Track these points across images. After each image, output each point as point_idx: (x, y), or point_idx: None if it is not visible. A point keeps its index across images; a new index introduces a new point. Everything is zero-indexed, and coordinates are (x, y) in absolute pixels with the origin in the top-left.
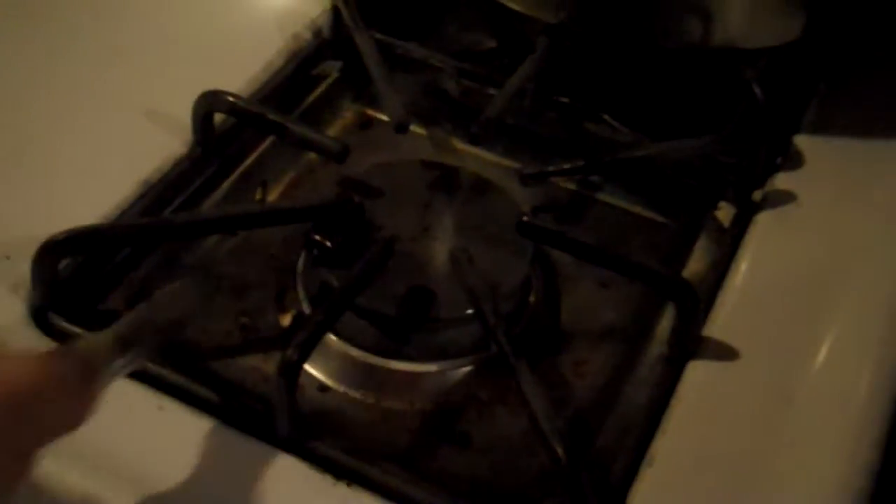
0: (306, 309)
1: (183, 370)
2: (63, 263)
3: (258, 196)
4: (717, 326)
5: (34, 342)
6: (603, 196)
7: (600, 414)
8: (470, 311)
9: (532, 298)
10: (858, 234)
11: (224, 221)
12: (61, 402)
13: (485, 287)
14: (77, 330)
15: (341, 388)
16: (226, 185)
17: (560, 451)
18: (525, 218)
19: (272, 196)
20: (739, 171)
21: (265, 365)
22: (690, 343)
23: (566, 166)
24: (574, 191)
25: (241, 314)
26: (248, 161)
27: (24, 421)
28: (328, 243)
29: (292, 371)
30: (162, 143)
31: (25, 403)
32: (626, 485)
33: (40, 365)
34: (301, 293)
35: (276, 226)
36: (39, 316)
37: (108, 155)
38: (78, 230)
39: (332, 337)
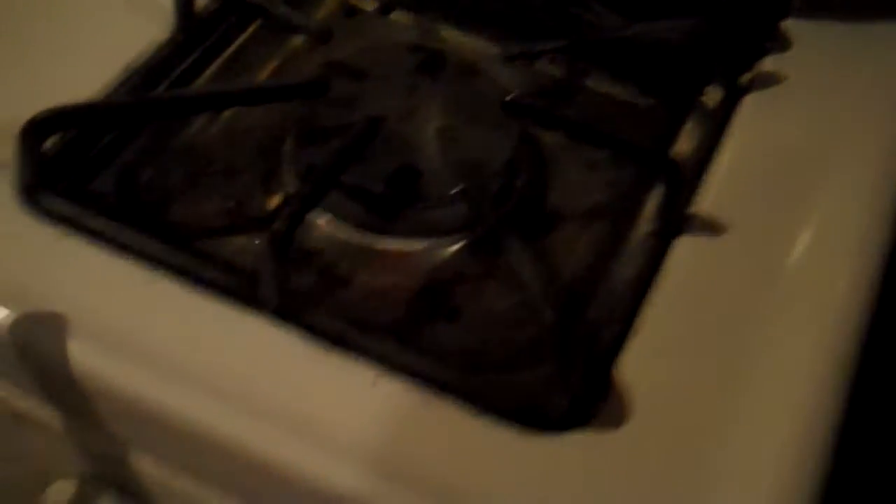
0: (293, 189)
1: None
2: (49, 142)
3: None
4: (704, 206)
5: (25, 223)
6: (590, 82)
7: (589, 288)
8: (456, 191)
9: (519, 182)
10: (845, 118)
11: (212, 98)
12: None
13: (471, 164)
14: (69, 208)
15: (330, 267)
16: (209, 71)
17: (549, 314)
18: (510, 97)
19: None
20: (726, 55)
21: (252, 245)
22: (677, 220)
23: (550, 46)
24: (560, 77)
25: (227, 198)
26: (232, 47)
27: None
28: (315, 123)
29: (281, 241)
30: (142, 27)
31: None
32: (613, 353)
33: None
34: (288, 176)
35: (265, 103)
36: (30, 195)
37: (88, 39)
38: (64, 107)
39: (325, 216)
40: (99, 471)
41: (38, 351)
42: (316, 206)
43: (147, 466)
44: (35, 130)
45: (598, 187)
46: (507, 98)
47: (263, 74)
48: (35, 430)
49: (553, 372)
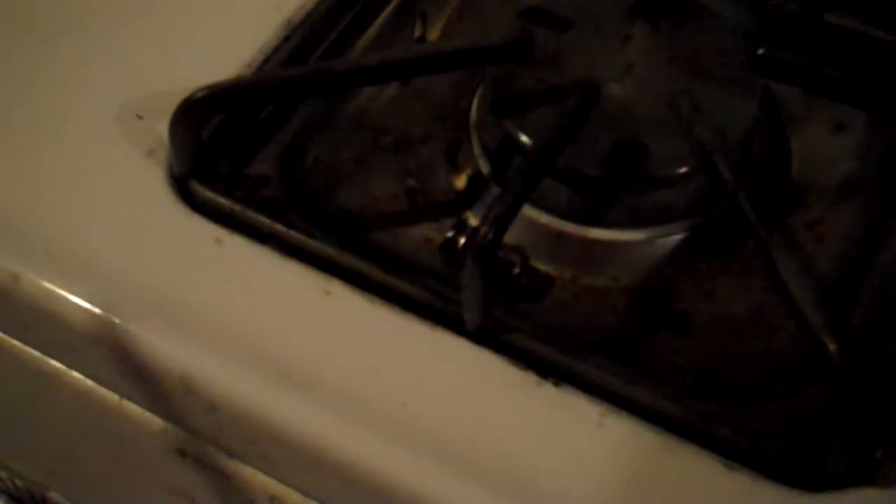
0: (484, 167)
1: (348, 246)
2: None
3: (417, 33)
4: None
5: (176, 213)
6: (832, 17)
7: (849, 288)
8: (686, 169)
9: (757, 146)
10: None
11: (387, 68)
12: None
13: (715, 137)
14: (222, 200)
15: (532, 263)
16: (379, 20)
17: (832, 347)
18: (761, 51)
19: (433, 33)
20: None
21: (439, 235)
22: None
23: None
24: (795, 11)
25: (407, 175)
26: None
27: None
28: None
29: (487, 254)
30: None
31: None
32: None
33: None
34: (476, 148)
35: (456, 69)
36: (181, 185)
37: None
38: (220, 85)
39: None
40: None
41: (198, 380)
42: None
43: None
44: (189, 113)
45: (849, 151)
46: (759, 52)
47: (440, 22)
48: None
49: (832, 414)
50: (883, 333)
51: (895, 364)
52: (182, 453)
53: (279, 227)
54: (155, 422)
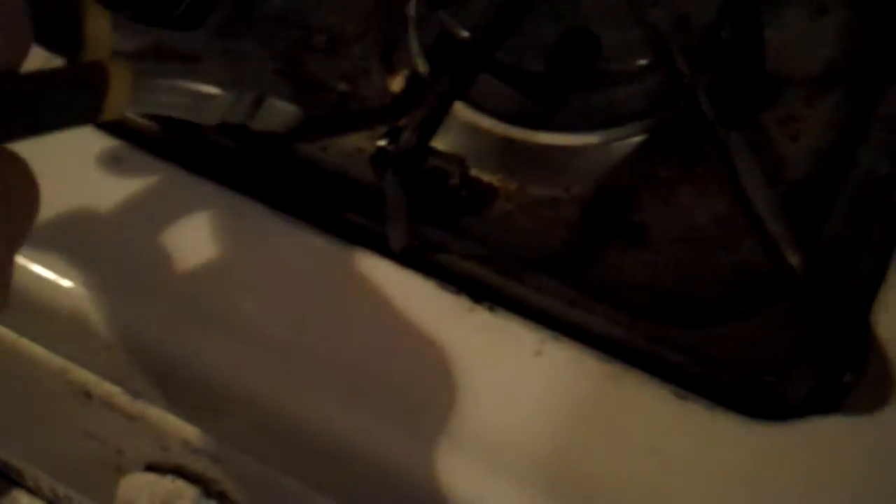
0: (422, 67)
1: (262, 158)
2: None
3: None
4: None
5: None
6: None
7: (825, 191)
8: (645, 61)
9: (725, 33)
10: None
11: None
12: None
13: (672, 23)
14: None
15: (473, 172)
16: None
17: (796, 259)
18: None
19: None
20: None
21: (371, 145)
22: None
23: None
24: None
25: (338, 78)
26: None
27: None
28: None
29: (408, 162)
30: None
31: None
32: (868, 300)
33: None
34: (414, 46)
35: None
36: None
37: None
38: None
39: (458, 104)
40: (177, 463)
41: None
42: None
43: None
44: None
45: (830, 38)
46: None
47: None
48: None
49: (794, 334)
50: (857, 244)
51: (870, 278)
52: (88, 395)
53: (184, 140)
54: (55, 361)
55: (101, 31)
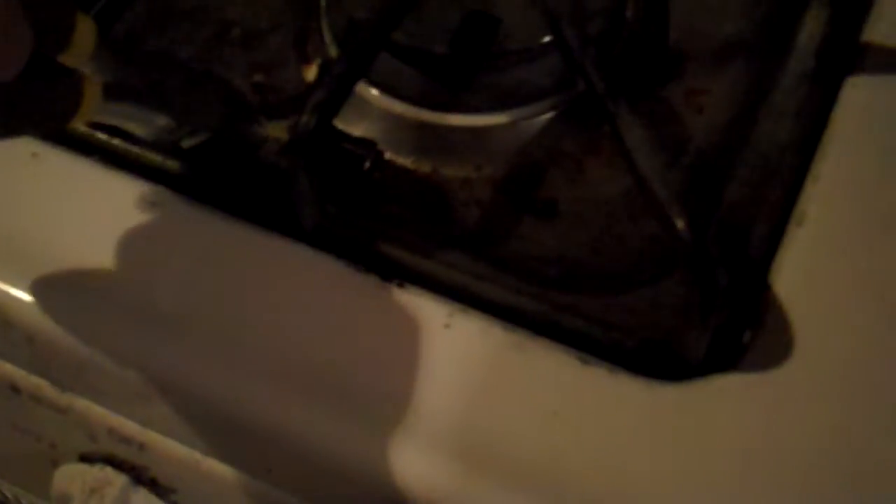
0: (334, 54)
1: (180, 152)
2: None
3: None
4: (882, 28)
5: None
6: None
7: (727, 159)
8: (548, 39)
9: (629, 12)
10: None
11: None
12: None
13: (563, 3)
14: None
15: (387, 156)
16: None
17: (680, 223)
18: None
19: None
20: None
21: (286, 133)
22: (847, 52)
23: None
24: None
25: (254, 69)
26: None
27: None
28: None
29: (306, 145)
30: None
31: None
32: (766, 259)
33: None
34: (327, 35)
35: None
36: None
37: None
38: None
39: (371, 90)
40: (108, 453)
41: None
42: (357, 82)
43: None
44: None
45: (734, 11)
46: None
47: None
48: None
49: (688, 297)
50: (755, 207)
51: (768, 239)
52: (16, 390)
53: (101, 135)
54: None
55: (86, 38)
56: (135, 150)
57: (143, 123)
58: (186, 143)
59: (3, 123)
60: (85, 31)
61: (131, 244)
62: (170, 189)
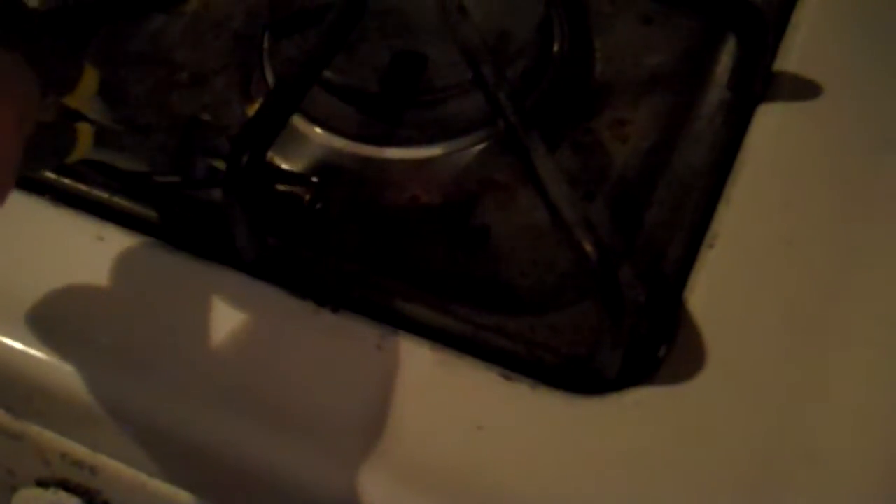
0: None
1: (130, 190)
2: None
3: None
4: (792, 60)
5: None
6: None
7: (648, 185)
8: (471, 76)
9: (556, 47)
10: None
11: None
12: None
13: (479, 41)
14: None
15: (327, 188)
16: None
17: (588, 246)
18: None
19: None
20: None
21: None
22: (759, 81)
23: None
24: None
25: (201, 109)
26: None
27: None
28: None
29: (239, 183)
30: None
31: None
32: (682, 276)
33: None
34: (269, 75)
35: None
36: None
37: None
38: None
39: (312, 127)
40: (62, 478)
41: None
42: (290, 117)
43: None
44: None
45: (655, 45)
46: None
47: None
48: None
49: (602, 316)
50: (671, 229)
51: (682, 259)
52: None
53: (50, 175)
54: None
55: (89, 84)
56: (83, 188)
57: (128, 161)
58: (160, 178)
59: (24, 164)
60: (89, 77)
61: (79, 277)
62: (117, 224)
